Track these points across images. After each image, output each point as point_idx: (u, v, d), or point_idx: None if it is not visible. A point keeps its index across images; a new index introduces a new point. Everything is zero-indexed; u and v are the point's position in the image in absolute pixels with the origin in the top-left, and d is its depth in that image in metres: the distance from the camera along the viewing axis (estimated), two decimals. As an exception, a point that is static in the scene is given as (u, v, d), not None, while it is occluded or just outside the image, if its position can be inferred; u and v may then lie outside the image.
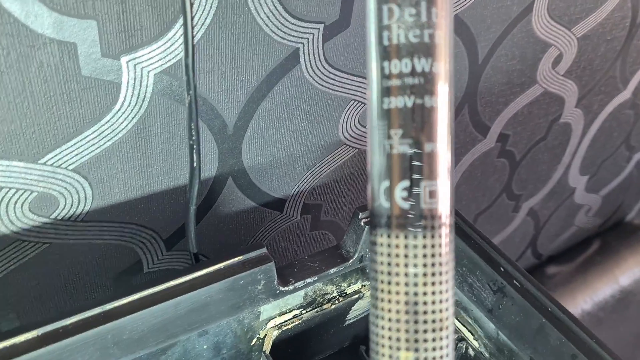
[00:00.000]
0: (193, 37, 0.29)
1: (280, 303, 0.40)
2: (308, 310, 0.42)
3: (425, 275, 0.21)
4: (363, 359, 0.50)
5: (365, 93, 0.44)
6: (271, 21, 0.35)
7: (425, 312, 0.21)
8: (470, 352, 0.43)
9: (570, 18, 0.54)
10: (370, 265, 0.22)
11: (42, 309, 0.39)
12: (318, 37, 0.38)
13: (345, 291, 0.44)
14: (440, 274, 0.21)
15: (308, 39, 0.38)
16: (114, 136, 0.34)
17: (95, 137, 0.33)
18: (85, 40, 0.30)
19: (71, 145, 0.33)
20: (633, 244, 0.94)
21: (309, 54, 0.38)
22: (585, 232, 0.95)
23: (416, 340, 0.21)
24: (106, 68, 0.31)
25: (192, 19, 0.29)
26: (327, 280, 0.42)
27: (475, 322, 0.42)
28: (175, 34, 0.32)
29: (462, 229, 0.41)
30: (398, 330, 0.21)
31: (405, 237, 0.21)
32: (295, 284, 0.39)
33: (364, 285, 0.45)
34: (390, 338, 0.21)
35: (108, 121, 0.33)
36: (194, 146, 0.33)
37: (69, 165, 0.33)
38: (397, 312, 0.21)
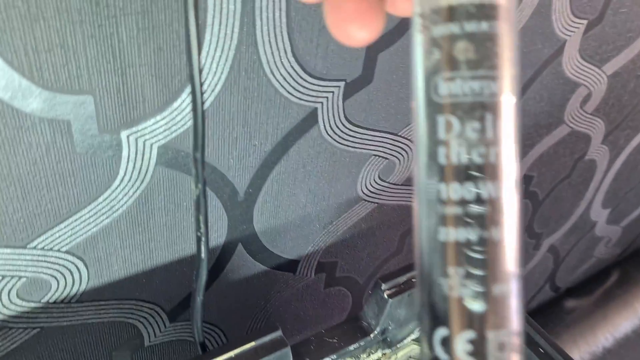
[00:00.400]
0: (204, 129, 0.26)
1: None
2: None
3: None
4: None
5: (386, 147, 0.40)
6: (288, 83, 0.32)
7: None
8: None
9: (601, 57, 0.51)
10: None
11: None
12: (338, 95, 0.35)
13: (364, 362, 0.40)
14: None
15: (327, 97, 0.34)
16: (113, 213, 0.31)
17: (91, 215, 0.30)
18: (80, 116, 0.26)
19: (64, 227, 0.29)
20: (653, 274, 0.91)
21: (327, 113, 0.35)
22: (604, 262, 0.92)
23: None
24: (105, 144, 0.28)
25: (202, 111, 0.26)
26: (346, 355, 0.38)
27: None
28: (181, 103, 0.29)
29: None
30: None
31: None
32: (313, 366, 0.36)
33: (384, 354, 0.42)
34: None
35: (106, 198, 0.30)
36: (202, 238, 0.29)
37: (62, 247, 0.30)
38: None
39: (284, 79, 0.31)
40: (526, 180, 0.58)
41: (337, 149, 0.37)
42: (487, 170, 0.17)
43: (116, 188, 0.30)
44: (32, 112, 0.25)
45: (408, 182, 0.45)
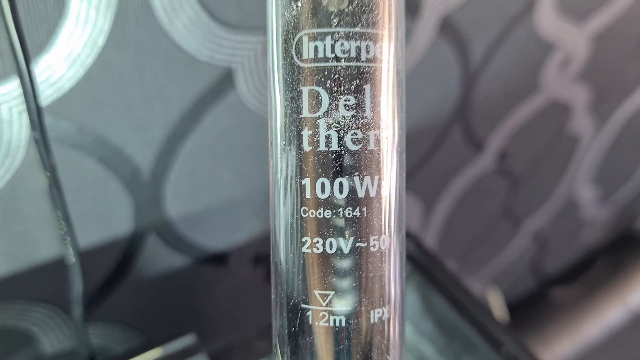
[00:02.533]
0: (38, 105, 0.22)
1: (222, 392, 0.33)
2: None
3: None
4: None
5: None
6: (193, 35, 0.27)
7: None
8: None
9: (581, 14, 0.47)
10: None
11: None
12: (261, 52, 0.30)
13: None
14: None
15: (248, 56, 0.30)
16: (-21, 197, 0.26)
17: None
18: None
19: None
20: (643, 259, 0.88)
21: (250, 75, 0.31)
22: (592, 248, 0.89)
23: None
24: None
25: (29, 73, 0.22)
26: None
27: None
28: (53, 60, 0.24)
29: (456, 297, 0.34)
30: None
31: None
32: (238, 373, 0.32)
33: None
34: None
35: (-34, 179, 0.25)
36: (67, 238, 0.25)
37: None
38: None
39: (188, 30, 0.27)
40: (500, 157, 0.54)
41: (263, 119, 0.33)
42: (364, 161, 0.14)
43: (-21, 166, 0.26)
44: None
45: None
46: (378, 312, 0.14)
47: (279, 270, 0.14)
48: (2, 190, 0.27)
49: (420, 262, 0.35)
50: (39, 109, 0.22)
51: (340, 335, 0.14)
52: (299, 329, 0.14)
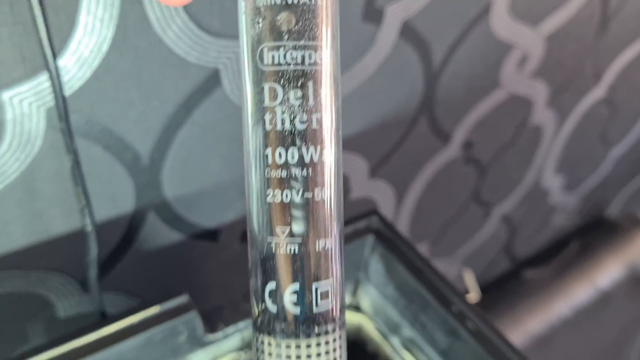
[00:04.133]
0: (64, 98, 0.26)
1: (214, 349, 0.38)
2: (247, 352, 0.40)
3: None
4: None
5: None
6: (183, 41, 0.32)
7: None
8: (425, 392, 0.41)
9: (534, 17, 0.51)
10: None
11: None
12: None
13: (287, 329, 0.41)
14: None
15: (230, 57, 0.35)
16: (6, 179, 0.31)
17: (-19, 181, 0.30)
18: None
19: (-49, 193, 0.30)
20: (611, 243, 0.93)
21: (233, 74, 0.35)
22: (563, 233, 0.93)
23: None
24: (-16, 106, 0.28)
25: (57, 74, 0.26)
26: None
27: (429, 361, 0.40)
28: (66, 63, 0.29)
29: (414, 264, 0.38)
30: None
31: (297, 346, 0.19)
32: (226, 330, 0.37)
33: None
34: None
35: (-5, 163, 0.30)
36: (85, 210, 0.30)
37: (-48, 213, 0.30)
38: None
39: (178, 37, 0.32)
40: (467, 147, 0.59)
41: (248, 112, 0.38)
42: (308, 136, 0.18)
43: (5, 153, 0.30)
44: None
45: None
46: (321, 242, 0.18)
47: (251, 216, 0.19)
48: (23, 172, 0.31)
49: (384, 236, 0.40)
50: (64, 100, 0.26)
51: (295, 260, 0.18)
52: (265, 256, 0.18)
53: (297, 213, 0.19)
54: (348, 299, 0.44)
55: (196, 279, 0.45)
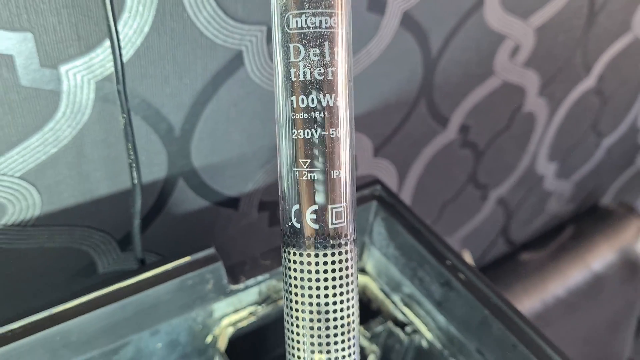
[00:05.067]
0: (122, 64, 0.31)
1: (234, 301, 0.42)
2: (263, 306, 0.44)
3: (334, 287, 0.24)
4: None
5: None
6: (212, 25, 0.37)
7: (335, 319, 0.24)
8: (424, 343, 0.45)
9: (525, 9, 0.56)
10: (284, 279, 0.25)
11: (-3, 312, 0.41)
12: (262, 39, 0.39)
13: (300, 287, 0.45)
14: (347, 284, 0.24)
15: (252, 41, 0.39)
16: (59, 143, 0.35)
17: (40, 144, 0.35)
18: (23, 52, 0.31)
19: (15, 154, 0.34)
20: (605, 229, 0.97)
21: (253, 56, 0.40)
22: (558, 218, 0.97)
23: (327, 344, 0.25)
24: (45, 78, 0.33)
25: (119, 45, 0.31)
26: (280, 277, 0.43)
27: (428, 315, 0.44)
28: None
29: (413, 225, 0.43)
30: (312, 335, 0.25)
31: (316, 255, 0.24)
32: (247, 282, 0.41)
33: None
34: (304, 343, 0.25)
35: (51, 129, 0.35)
36: (133, 165, 0.34)
37: (15, 172, 0.35)
38: (311, 320, 0.24)
39: (208, 22, 0.36)
40: (464, 130, 0.63)
41: (266, 90, 0.42)
42: (325, 85, 0.23)
43: (60, 119, 0.35)
44: (-21, 46, 0.30)
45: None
46: (335, 172, 0.23)
47: (280, 152, 0.24)
48: (74, 137, 0.36)
49: (386, 202, 0.44)
50: (122, 65, 0.31)
51: (315, 185, 0.23)
52: (291, 183, 0.23)
53: (316, 148, 0.23)
54: (354, 262, 0.49)
55: (218, 242, 0.49)
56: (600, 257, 0.95)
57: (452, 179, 0.69)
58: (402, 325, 0.46)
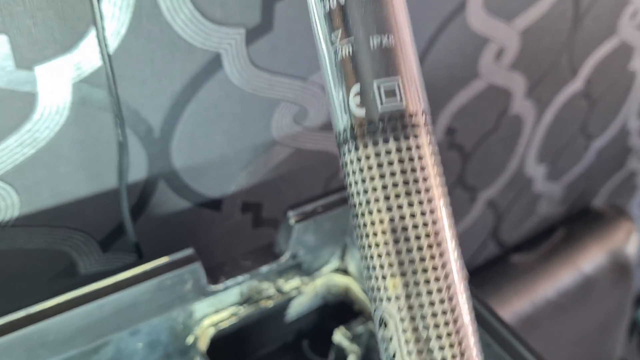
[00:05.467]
0: (108, 49, 0.31)
1: (215, 301, 0.42)
2: (245, 307, 0.44)
3: (406, 183, 0.18)
4: (306, 354, 0.52)
5: (296, 92, 0.45)
6: (189, 28, 0.37)
7: (415, 226, 0.18)
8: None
9: (508, 13, 0.56)
10: (347, 190, 0.20)
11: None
12: (241, 41, 0.40)
13: (282, 288, 0.46)
14: (422, 180, 0.19)
15: (231, 43, 0.39)
16: (37, 144, 0.36)
17: (17, 145, 0.35)
18: (-3, 53, 0.31)
19: (-8, 155, 0.34)
20: (596, 231, 0.97)
21: (233, 58, 0.40)
22: (549, 221, 0.97)
23: (403, 263, 0.18)
24: (21, 79, 0.33)
25: (103, 28, 0.31)
26: (261, 278, 0.44)
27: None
28: (89, 44, 0.34)
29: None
30: (388, 254, 0.19)
31: (374, 144, 0.19)
32: (226, 283, 0.41)
33: (303, 283, 0.47)
34: (381, 265, 0.19)
35: (29, 130, 0.35)
36: (123, 149, 0.35)
37: (-7, 173, 0.35)
38: (383, 233, 0.19)
39: (185, 24, 0.36)
40: (450, 133, 0.63)
41: (246, 92, 0.42)
42: None
43: (37, 121, 0.35)
44: (-47, 48, 0.30)
45: (325, 127, 0.50)
46: (377, 38, 0.20)
47: (318, 38, 0.20)
48: (52, 139, 0.36)
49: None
50: (110, 58, 0.31)
51: (355, 59, 0.19)
52: (332, 68, 0.20)
53: (350, 12, 0.19)
54: (336, 264, 0.49)
55: (201, 244, 0.49)
56: (590, 259, 0.95)
57: (439, 181, 0.69)
58: (383, 326, 0.46)
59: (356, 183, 0.19)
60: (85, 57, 0.34)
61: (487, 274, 0.89)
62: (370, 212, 0.19)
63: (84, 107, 0.36)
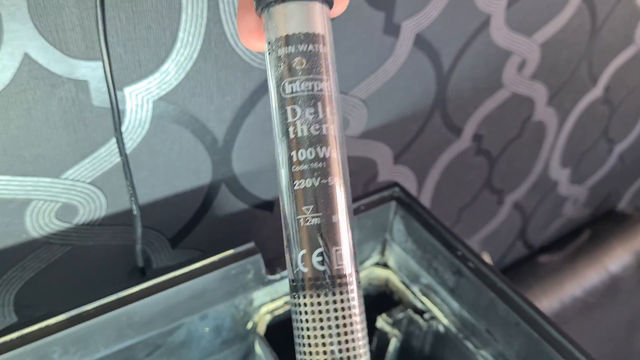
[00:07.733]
0: (115, 85, 0.37)
1: (271, 290, 0.47)
2: (297, 296, 0.49)
3: (344, 325, 0.25)
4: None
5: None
6: (249, 51, 0.42)
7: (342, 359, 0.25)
8: (441, 328, 0.50)
9: (529, 28, 0.61)
10: (294, 325, 0.26)
11: (66, 303, 0.47)
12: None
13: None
14: (354, 323, 0.25)
15: (283, 63, 0.45)
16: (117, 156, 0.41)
17: (107, 154, 0.41)
18: (95, 77, 0.37)
19: (87, 163, 0.40)
20: (622, 232, 1.00)
21: (285, 76, 0.46)
22: (575, 223, 1.01)
23: None
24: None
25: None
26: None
27: (443, 302, 0.49)
28: (168, 67, 0.40)
29: (427, 221, 0.48)
30: None
31: (325, 294, 0.25)
32: (282, 273, 0.47)
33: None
34: None
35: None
36: (133, 197, 0.40)
37: (87, 178, 0.41)
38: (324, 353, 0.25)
39: (246, 49, 0.42)
40: (477, 139, 0.68)
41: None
42: (321, 139, 0.25)
43: (124, 133, 0.41)
44: (62, 74, 0.36)
45: (364, 136, 0.55)
46: (335, 216, 0.25)
47: (283, 203, 0.26)
48: (135, 149, 0.42)
49: (404, 201, 0.49)
50: (115, 89, 0.37)
51: (318, 230, 0.25)
52: (296, 230, 0.26)
53: (316, 196, 0.25)
54: (377, 258, 0.54)
55: (255, 241, 0.55)
56: (616, 259, 0.98)
57: (468, 184, 0.74)
58: (421, 312, 0.50)
59: (312, 321, 0.25)
60: (165, 78, 0.40)
61: (515, 274, 0.93)
62: (324, 345, 0.25)
63: (161, 121, 0.42)
